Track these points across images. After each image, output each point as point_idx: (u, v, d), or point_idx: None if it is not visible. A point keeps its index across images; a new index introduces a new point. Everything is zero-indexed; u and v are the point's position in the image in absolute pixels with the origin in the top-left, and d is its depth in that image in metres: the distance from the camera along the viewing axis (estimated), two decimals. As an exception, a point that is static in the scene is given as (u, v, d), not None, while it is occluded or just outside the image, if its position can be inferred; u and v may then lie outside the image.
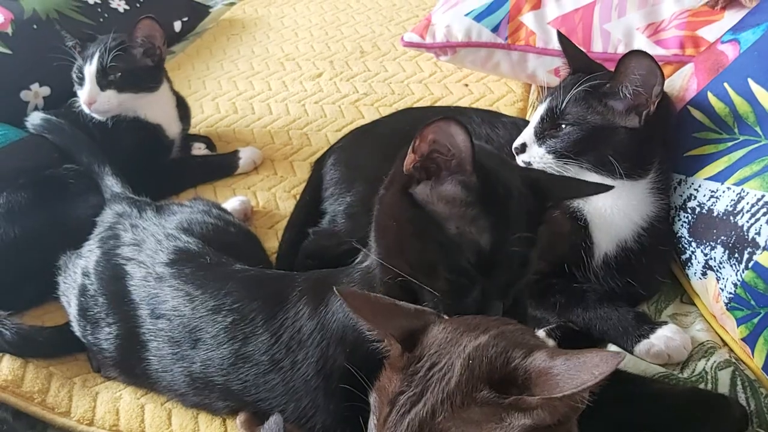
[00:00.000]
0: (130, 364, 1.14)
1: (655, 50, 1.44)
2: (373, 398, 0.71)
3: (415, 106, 1.83)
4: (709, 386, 0.98)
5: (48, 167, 1.52)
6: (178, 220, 1.26)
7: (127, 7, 2.29)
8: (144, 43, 1.63)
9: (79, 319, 1.19)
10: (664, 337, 1.03)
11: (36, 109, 1.90)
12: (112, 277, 1.17)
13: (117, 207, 1.32)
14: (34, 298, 1.38)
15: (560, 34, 1.29)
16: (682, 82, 1.19)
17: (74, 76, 1.63)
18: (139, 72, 1.63)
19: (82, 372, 1.23)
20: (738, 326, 1.01)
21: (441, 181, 0.84)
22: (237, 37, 2.46)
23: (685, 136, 1.14)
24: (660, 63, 1.06)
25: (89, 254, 1.24)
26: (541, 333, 1.10)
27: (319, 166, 1.50)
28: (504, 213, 0.84)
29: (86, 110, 1.60)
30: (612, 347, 1.07)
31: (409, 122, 1.46)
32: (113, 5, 2.26)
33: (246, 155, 1.72)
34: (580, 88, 1.09)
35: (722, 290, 1.02)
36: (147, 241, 1.19)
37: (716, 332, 1.08)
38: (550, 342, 1.08)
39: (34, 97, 1.92)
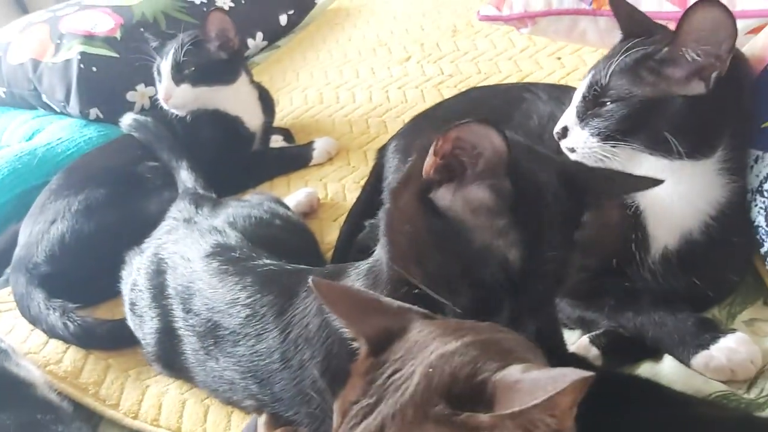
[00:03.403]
0: (171, 359, 1.15)
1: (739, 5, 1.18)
2: (335, 407, 0.64)
3: (499, 83, 1.70)
4: (777, 411, 0.79)
5: (130, 164, 1.58)
6: (227, 214, 1.25)
7: (233, 5, 2.33)
8: (218, 36, 1.65)
9: (130, 314, 1.22)
10: (727, 349, 0.85)
11: (142, 109, 2.00)
12: (156, 271, 1.18)
13: (180, 203, 1.34)
14: (106, 292, 1.40)
15: None
16: (766, 39, 0.97)
17: (154, 73, 1.68)
18: (213, 65, 1.65)
19: (139, 365, 1.25)
20: (823, 337, 0.81)
21: (466, 183, 0.73)
22: (339, 26, 2.44)
23: (764, 103, 0.93)
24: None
25: (146, 250, 1.26)
26: (584, 340, 0.96)
27: (381, 154, 1.43)
28: (537, 224, 0.73)
29: (164, 106, 1.65)
30: (668, 359, 0.90)
31: (469, 103, 1.36)
32: (218, 3, 2.31)
33: (320, 146, 1.69)
34: (623, 57, 0.93)
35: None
36: (192, 236, 1.19)
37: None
38: (593, 351, 0.94)
39: (140, 97, 2.02)
